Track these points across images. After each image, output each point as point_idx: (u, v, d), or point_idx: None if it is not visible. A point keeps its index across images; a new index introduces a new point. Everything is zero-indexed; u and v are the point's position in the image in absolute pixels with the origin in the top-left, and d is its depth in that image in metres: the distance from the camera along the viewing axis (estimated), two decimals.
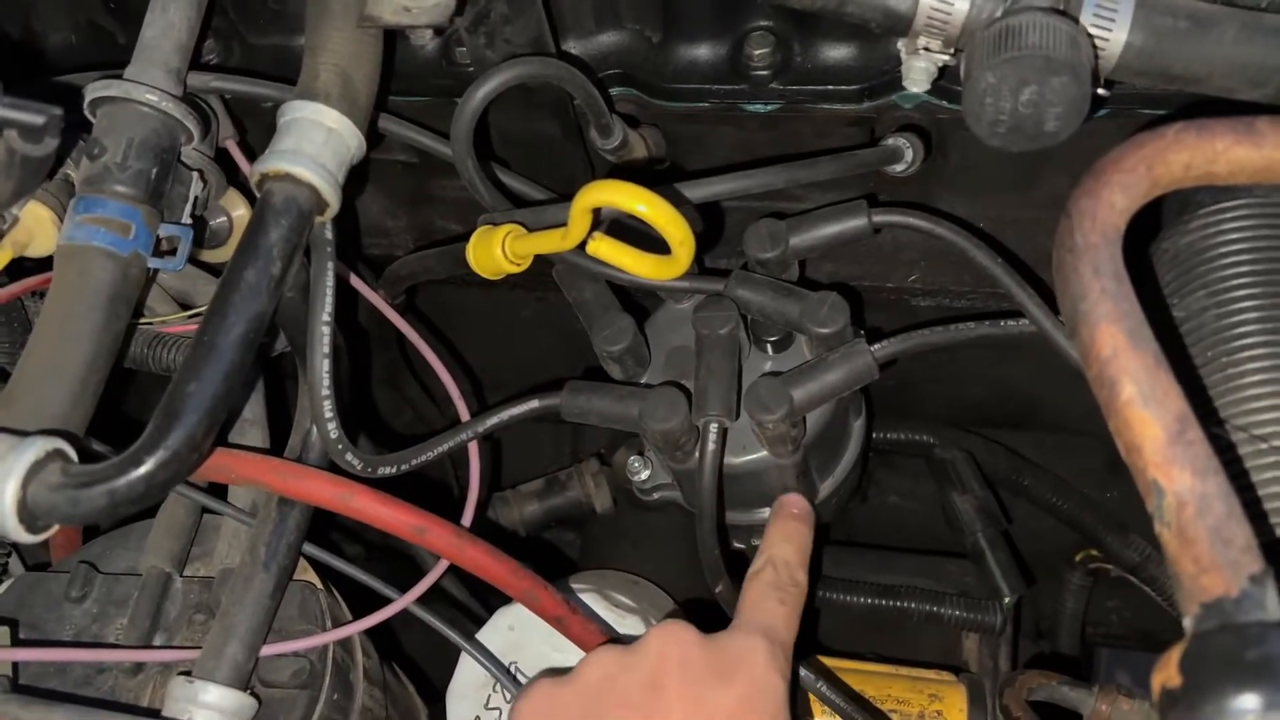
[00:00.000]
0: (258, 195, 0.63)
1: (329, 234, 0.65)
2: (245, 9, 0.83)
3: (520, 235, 0.65)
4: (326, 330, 0.63)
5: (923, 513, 1.07)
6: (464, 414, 0.76)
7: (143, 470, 0.54)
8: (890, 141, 0.75)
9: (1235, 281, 0.57)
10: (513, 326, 1.06)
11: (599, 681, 0.63)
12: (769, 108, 0.79)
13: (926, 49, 0.61)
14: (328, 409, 0.65)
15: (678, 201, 0.63)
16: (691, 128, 0.84)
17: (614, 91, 0.82)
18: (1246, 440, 0.52)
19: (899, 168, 0.76)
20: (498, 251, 0.65)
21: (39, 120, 0.53)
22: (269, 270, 0.60)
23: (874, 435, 1.03)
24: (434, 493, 1.07)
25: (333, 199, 0.64)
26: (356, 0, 0.64)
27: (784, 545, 0.72)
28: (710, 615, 0.72)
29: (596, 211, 0.60)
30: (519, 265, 0.66)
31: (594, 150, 0.81)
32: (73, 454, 0.56)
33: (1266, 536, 0.50)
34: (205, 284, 0.84)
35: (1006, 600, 0.91)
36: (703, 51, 0.79)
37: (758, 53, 0.77)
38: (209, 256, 0.83)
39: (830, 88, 0.77)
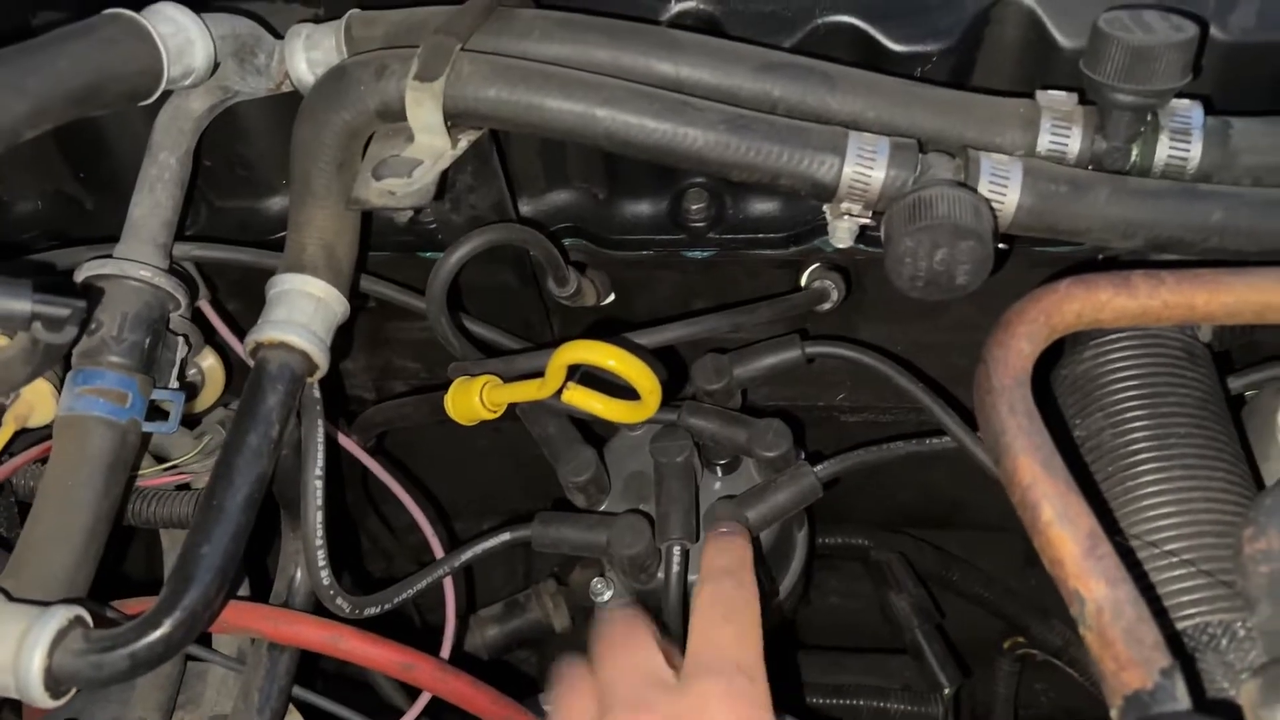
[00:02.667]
0: (252, 363, 0.68)
1: (317, 394, 0.70)
2: (212, 175, 0.89)
3: (497, 385, 0.71)
4: (319, 484, 0.68)
5: (863, 611, 1.14)
6: (438, 552, 0.81)
7: (161, 632, 0.58)
8: (817, 285, 0.84)
9: (1125, 404, 0.67)
10: (469, 456, 1.11)
11: None
12: (706, 254, 0.88)
13: (849, 212, 0.69)
14: (321, 558, 0.69)
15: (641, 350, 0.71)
16: (637, 272, 0.92)
17: (566, 242, 0.89)
18: (1143, 547, 0.60)
19: (825, 306, 0.85)
20: (476, 401, 0.71)
21: (65, 313, 0.58)
22: (269, 434, 0.64)
23: (816, 540, 1.11)
24: (393, 619, 1.11)
25: (322, 362, 0.69)
26: (339, 182, 0.71)
27: (718, 558, 0.68)
28: None
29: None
30: (495, 412, 0.72)
31: (549, 296, 0.89)
32: (89, 620, 0.59)
33: (1168, 630, 0.58)
34: (180, 437, 0.88)
35: (946, 692, 0.98)
36: (644, 206, 0.88)
37: (694, 207, 0.85)
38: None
39: (760, 235, 0.86)
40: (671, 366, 0.97)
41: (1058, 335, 0.60)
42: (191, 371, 0.86)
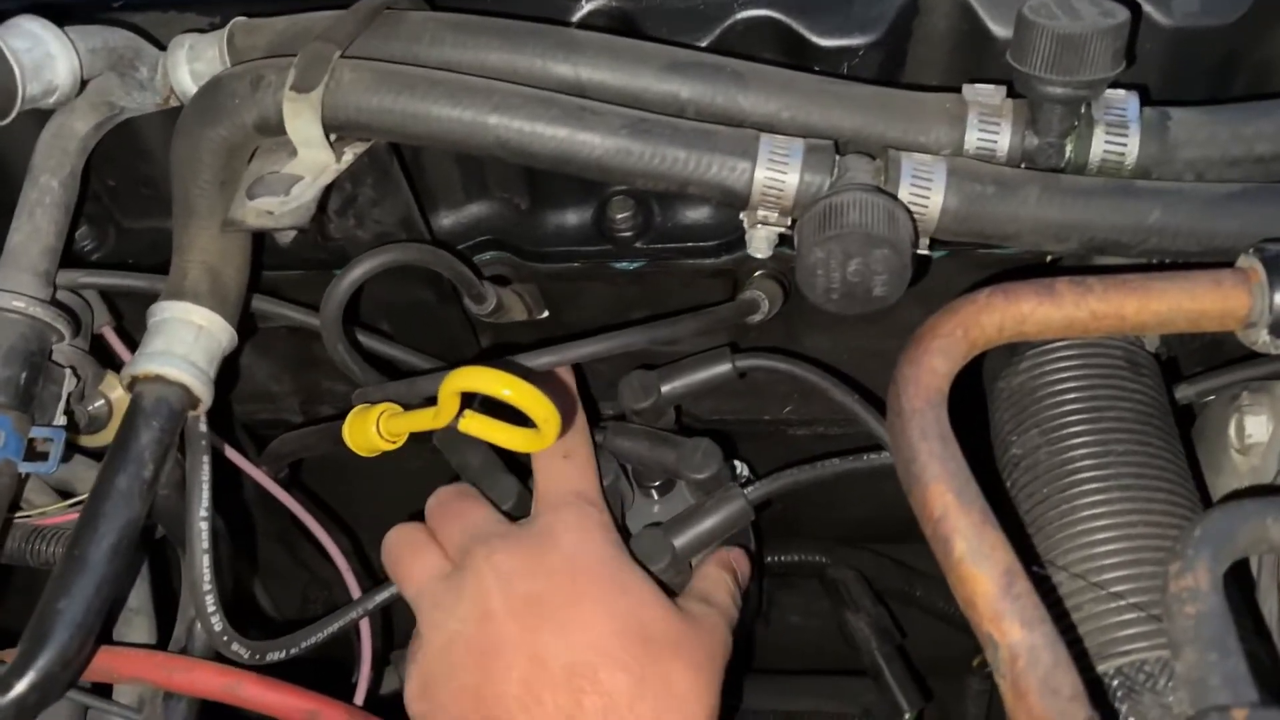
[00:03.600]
0: (129, 397, 0.64)
1: (203, 427, 0.66)
2: (119, 196, 0.85)
3: (395, 414, 0.67)
4: (205, 526, 0.64)
5: (822, 630, 1.09)
6: (352, 588, 0.76)
7: (13, 695, 0.54)
8: (747, 295, 0.79)
9: (1063, 421, 0.62)
10: (402, 478, 1.07)
11: (436, 656, 0.64)
12: (635, 265, 0.83)
13: (764, 221, 0.65)
14: (210, 603, 0.65)
15: (546, 376, 0.66)
16: (564, 285, 0.88)
17: (488, 255, 0.85)
18: (1076, 579, 0.56)
19: (756, 318, 0.80)
20: (373, 431, 0.67)
21: None
22: (140, 475, 0.60)
23: (769, 558, 1.06)
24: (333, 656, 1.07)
25: (204, 395, 0.65)
26: (222, 201, 0.67)
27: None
28: None
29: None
30: (394, 443, 0.67)
31: (473, 314, 0.84)
32: None
33: (1090, 674, 0.53)
34: (85, 470, 0.83)
35: (906, 716, 0.93)
36: (569, 216, 0.83)
37: (619, 216, 0.81)
38: (89, 441, 0.83)
39: (690, 244, 0.82)
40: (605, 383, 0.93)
41: (977, 351, 0.55)
42: (98, 403, 0.82)
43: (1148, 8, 0.68)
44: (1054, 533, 0.59)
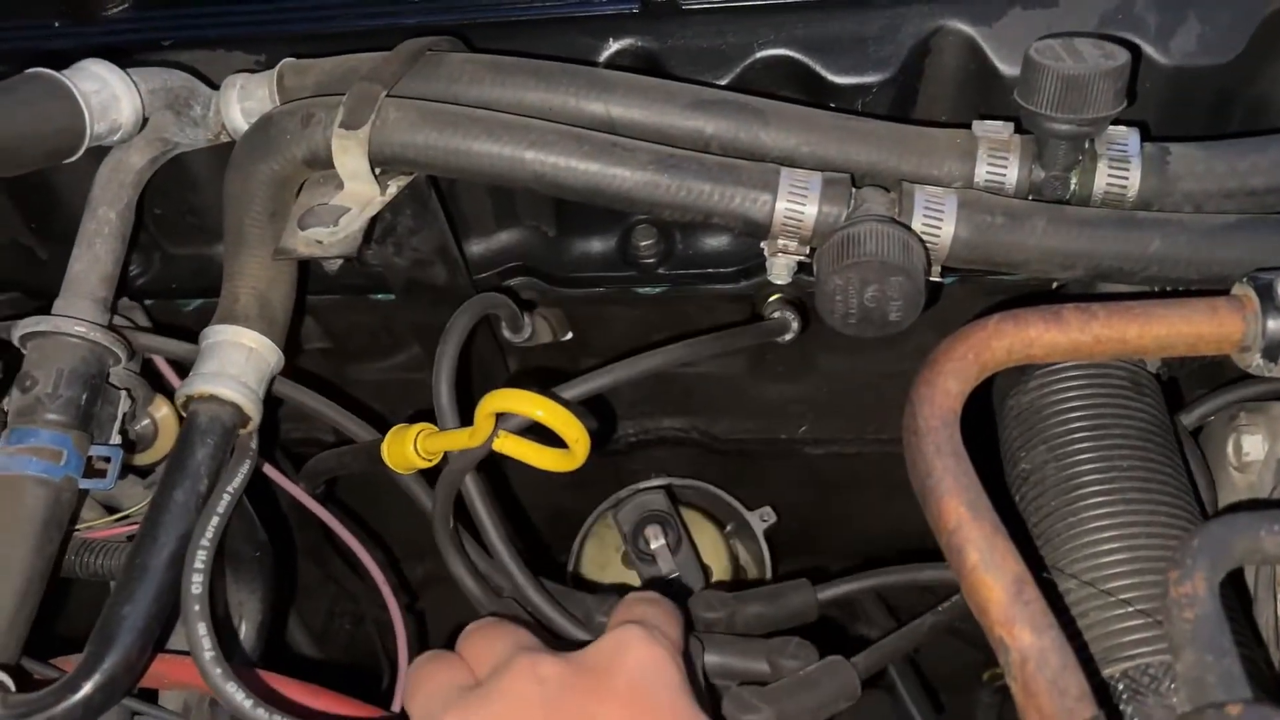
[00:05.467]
0: (184, 415, 0.68)
1: (253, 444, 0.69)
2: (164, 223, 0.89)
3: (431, 434, 0.70)
4: (211, 534, 0.63)
5: (835, 635, 1.11)
6: (390, 601, 0.79)
7: (80, 695, 0.57)
8: (777, 316, 0.83)
9: (1069, 437, 0.65)
10: None
11: None
12: (657, 290, 0.87)
13: (784, 249, 0.68)
14: (204, 631, 0.60)
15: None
16: (590, 309, 0.92)
17: (516, 281, 0.89)
18: (1083, 586, 0.59)
19: (787, 337, 0.83)
20: (410, 449, 0.70)
21: None
22: (196, 489, 0.64)
23: (783, 573, 1.09)
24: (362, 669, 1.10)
25: (255, 413, 0.69)
26: (271, 231, 0.71)
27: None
28: None
29: None
30: (430, 461, 0.71)
31: (503, 339, 0.88)
32: (11, 684, 0.58)
33: (1097, 677, 0.56)
34: (131, 486, 0.87)
35: None
36: (594, 244, 0.87)
37: (643, 244, 0.85)
38: (135, 459, 0.86)
39: (710, 270, 0.86)
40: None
41: (988, 373, 0.59)
42: (144, 422, 0.85)
43: (1147, 48, 0.72)
44: (1061, 543, 0.62)
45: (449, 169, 0.67)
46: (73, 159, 0.68)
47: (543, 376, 0.98)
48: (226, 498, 0.64)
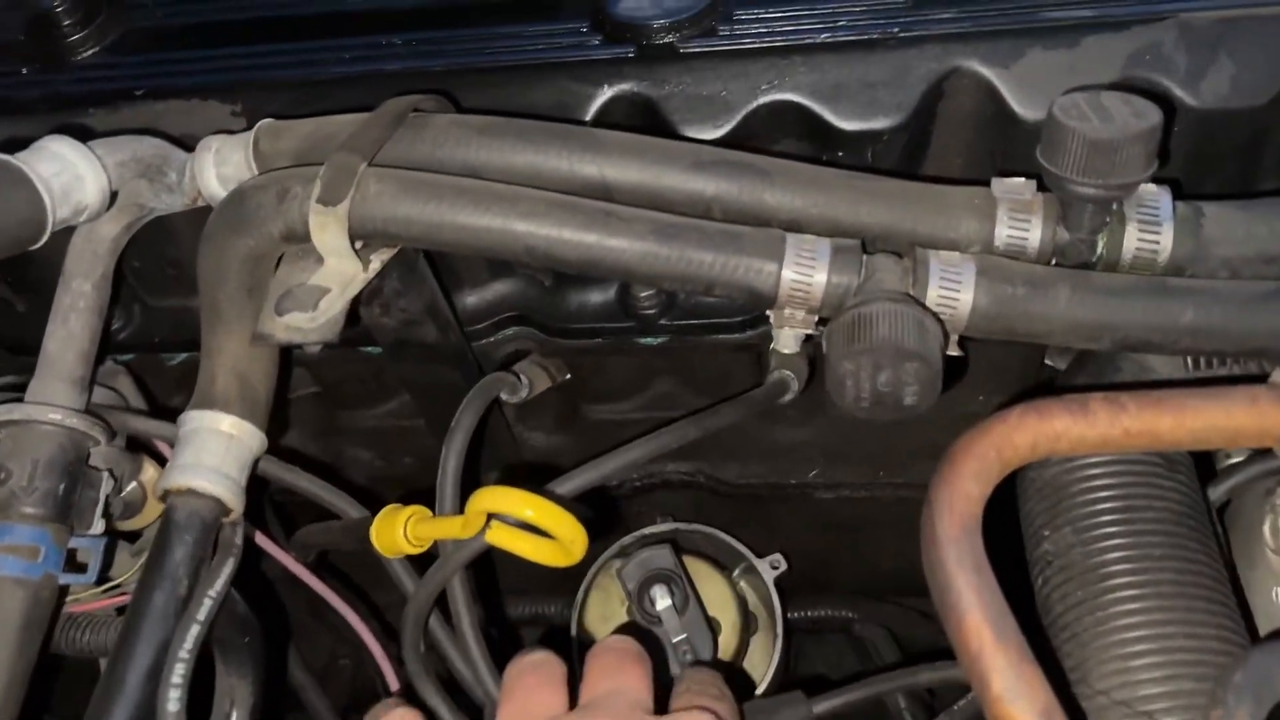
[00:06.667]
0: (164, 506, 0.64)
1: (238, 539, 0.66)
2: (143, 275, 0.85)
3: (423, 519, 0.67)
4: (181, 672, 0.59)
5: (849, 678, 1.09)
6: (388, 674, 0.77)
7: None
8: (776, 377, 0.79)
9: (1097, 521, 0.61)
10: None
11: None
12: (659, 341, 0.83)
13: (791, 320, 0.65)
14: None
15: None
16: (589, 358, 0.88)
17: (512, 331, 0.85)
18: (1110, 705, 0.55)
19: (787, 397, 0.80)
20: (400, 534, 0.67)
21: None
22: (175, 591, 0.61)
23: (794, 614, 1.06)
24: None
25: (237, 505, 0.65)
26: (249, 307, 0.67)
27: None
28: None
29: None
30: (419, 547, 0.68)
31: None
32: None
33: None
34: (119, 554, 0.84)
35: None
36: (593, 294, 0.83)
37: (644, 294, 0.81)
38: (124, 525, 0.84)
39: (714, 320, 0.82)
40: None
41: (1010, 470, 0.55)
42: (130, 486, 0.82)
43: (1177, 91, 0.68)
44: (1090, 639, 0.59)
45: (434, 243, 0.64)
46: (34, 247, 0.64)
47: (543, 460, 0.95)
48: (208, 603, 0.61)
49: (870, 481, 0.93)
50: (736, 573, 0.98)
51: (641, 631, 0.84)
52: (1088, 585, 0.60)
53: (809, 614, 1.05)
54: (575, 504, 0.61)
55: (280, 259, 0.68)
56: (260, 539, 0.79)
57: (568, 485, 0.65)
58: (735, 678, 0.90)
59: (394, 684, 0.78)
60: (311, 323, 0.62)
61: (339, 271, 0.64)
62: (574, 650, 0.92)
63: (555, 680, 0.58)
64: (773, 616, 0.95)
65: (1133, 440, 0.54)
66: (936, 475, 0.55)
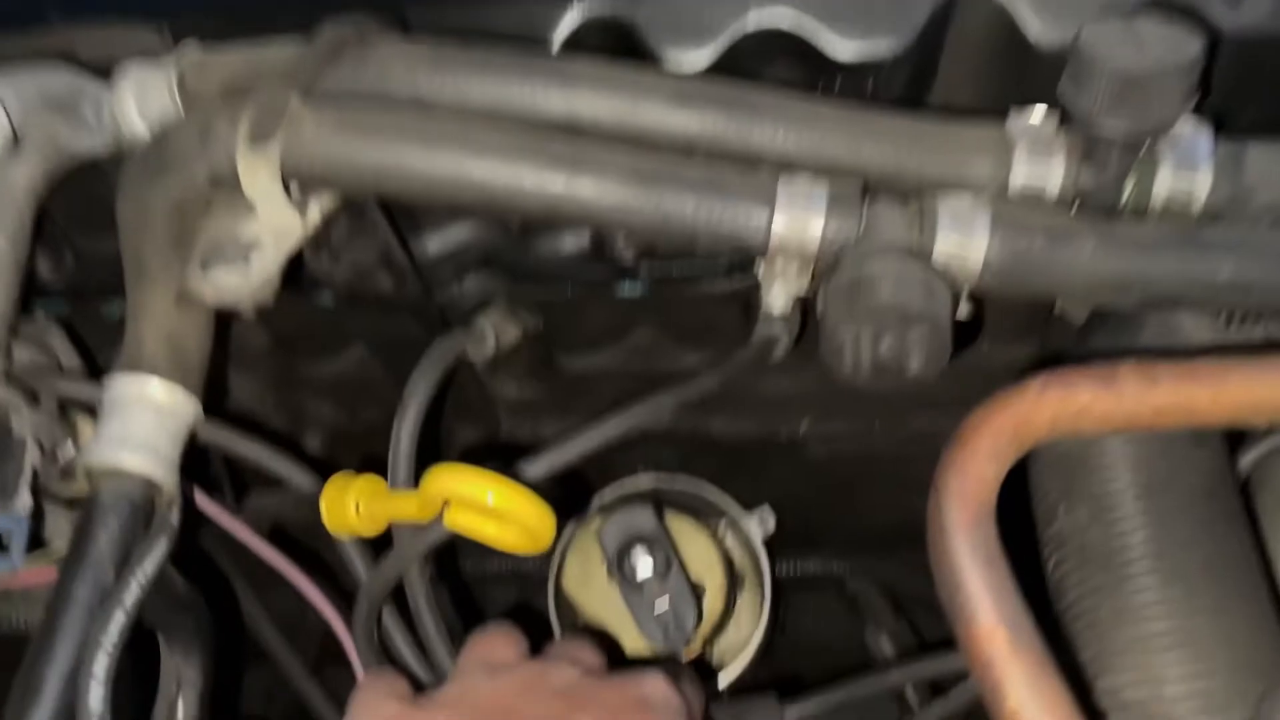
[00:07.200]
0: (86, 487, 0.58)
1: (173, 517, 0.60)
2: (75, 213, 0.78)
3: (377, 495, 0.61)
4: (104, 664, 0.53)
5: (838, 634, 1.05)
6: (347, 644, 0.71)
7: None
8: (763, 333, 0.72)
9: (1118, 499, 0.56)
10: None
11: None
12: (639, 290, 0.77)
13: (783, 274, 0.58)
14: None
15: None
16: (562, 308, 0.81)
17: (476, 278, 0.78)
18: (1136, 705, 0.50)
19: (778, 354, 0.73)
20: (351, 511, 0.61)
21: None
22: (100, 582, 0.55)
23: (785, 567, 1.02)
24: None
25: (170, 483, 0.59)
26: (177, 260, 0.60)
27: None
28: None
29: None
30: (374, 528, 0.62)
31: None
32: None
33: None
34: (56, 518, 0.78)
35: None
36: (565, 238, 0.76)
37: (621, 238, 0.74)
38: (67, 493, 0.77)
39: (700, 267, 0.75)
40: None
41: (1026, 450, 0.49)
42: (69, 453, 0.76)
43: (1218, 13, 0.60)
44: (1106, 629, 0.54)
45: (379, 190, 0.57)
46: None
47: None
48: (134, 588, 0.55)
49: (865, 433, 0.87)
50: (721, 526, 0.93)
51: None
52: (1107, 570, 0.55)
53: (797, 567, 1.00)
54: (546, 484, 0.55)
55: (209, 208, 0.61)
56: (205, 504, 0.73)
57: (537, 467, 0.59)
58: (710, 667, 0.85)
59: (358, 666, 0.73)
60: (243, 283, 0.56)
61: (273, 223, 0.57)
62: (551, 609, 0.87)
63: (513, 638, 0.60)
64: (760, 574, 0.90)
65: (1163, 418, 0.49)
66: (946, 457, 0.49)
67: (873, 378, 0.55)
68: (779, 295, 0.60)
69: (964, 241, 0.55)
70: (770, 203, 0.56)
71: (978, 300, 0.57)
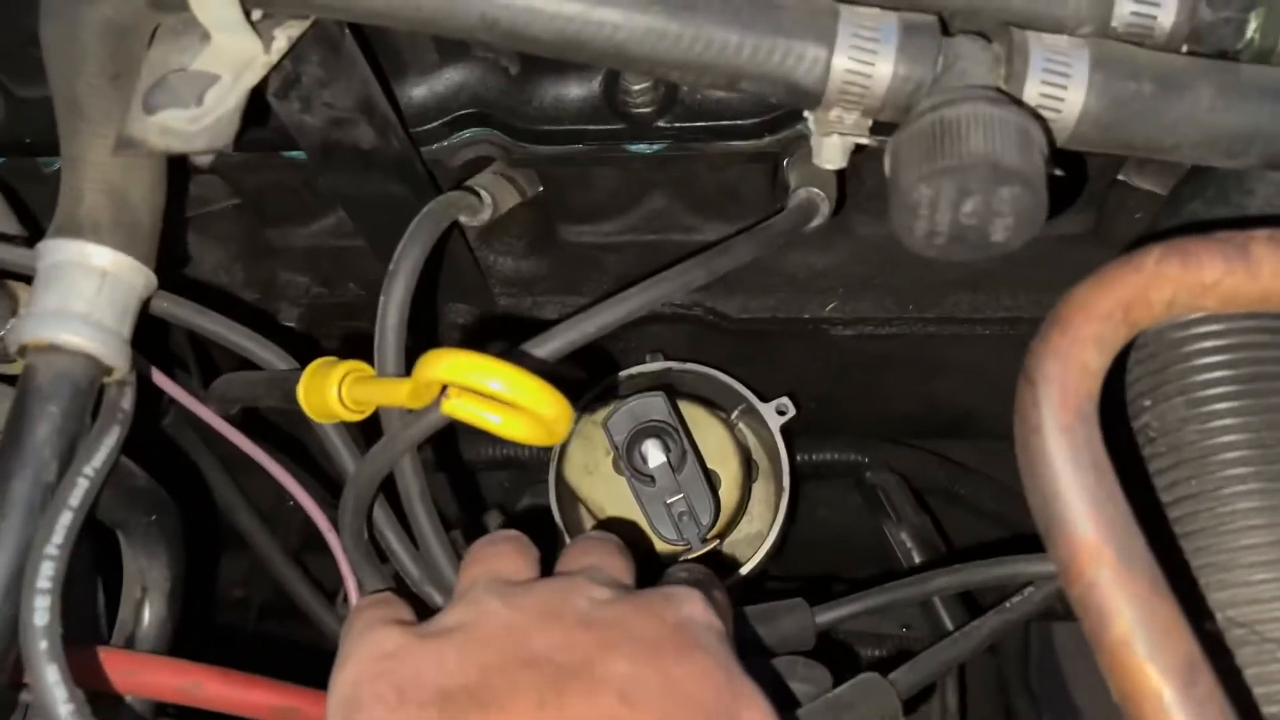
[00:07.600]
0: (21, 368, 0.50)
1: (125, 402, 0.52)
2: (10, 57, 0.67)
3: (362, 378, 0.53)
4: (49, 573, 0.45)
5: (855, 526, 0.99)
6: (326, 531, 0.64)
7: None
8: (803, 196, 0.64)
9: (1218, 393, 0.48)
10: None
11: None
12: (655, 148, 0.67)
13: (840, 125, 0.49)
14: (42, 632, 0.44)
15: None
16: (568, 169, 0.72)
17: (470, 133, 0.68)
18: (1239, 631, 0.44)
19: (816, 222, 0.65)
20: (333, 395, 0.53)
21: None
22: (41, 478, 0.47)
23: (802, 457, 0.95)
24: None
25: (119, 361, 0.51)
26: (118, 99, 0.50)
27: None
28: None
29: None
30: (358, 413, 0.54)
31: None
32: None
33: None
34: (5, 401, 0.70)
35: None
36: (572, 86, 0.66)
37: (636, 87, 0.64)
38: (8, 370, 0.69)
39: (725, 123, 0.66)
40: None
41: (1136, 332, 0.42)
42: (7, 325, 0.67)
43: None
44: (1204, 541, 0.47)
45: (354, 13, 0.47)
46: None
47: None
48: (82, 484, 0.47)
49: (897, 317, 0.79)
50: (735, 414, 0.86)
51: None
52: (1204, 473, 0.48)
53: (814, 457, 0.94)
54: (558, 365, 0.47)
55: (153, 36, 0.51)
56: (168, 386, 0.65)
57: (546, 347, 0.51)
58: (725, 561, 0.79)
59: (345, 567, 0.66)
60: (195, 123, 0.46)
61: (230, 52, 0.47)
62: (552, 499, 0.81)
63: (525, 550, 0.53)
64: (777, 465, 0.83)
65: None
66: (1039, 340, 0.41)
67: (947, 248, 0.47)
68: (834, 150, 0.51)
69: (1060, 86, 0.46)
70: (830, 39, 0.47)
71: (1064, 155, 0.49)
